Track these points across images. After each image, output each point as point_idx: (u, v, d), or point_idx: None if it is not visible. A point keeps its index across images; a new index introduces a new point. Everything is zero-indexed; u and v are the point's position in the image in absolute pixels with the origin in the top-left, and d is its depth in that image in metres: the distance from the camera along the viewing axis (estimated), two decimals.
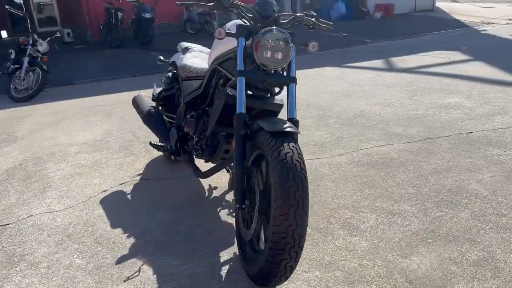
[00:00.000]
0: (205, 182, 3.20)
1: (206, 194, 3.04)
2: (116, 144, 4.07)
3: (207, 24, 11.49)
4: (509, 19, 11.87)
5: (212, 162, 2.84)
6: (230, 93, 2.30)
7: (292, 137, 1.93)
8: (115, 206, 2.93)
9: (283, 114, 2.25)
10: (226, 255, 2.35)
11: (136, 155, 3.78)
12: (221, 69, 2.43)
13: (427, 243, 2.35)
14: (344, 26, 10.58)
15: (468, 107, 4.52)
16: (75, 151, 3.96)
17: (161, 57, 3.67)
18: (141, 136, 4.24)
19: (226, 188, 3.08)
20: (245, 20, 2.27)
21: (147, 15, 10.67)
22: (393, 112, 4.52)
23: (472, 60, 7.01)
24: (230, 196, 2.98)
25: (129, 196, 3.08)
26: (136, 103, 3.40)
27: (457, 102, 4.69)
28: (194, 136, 2.66)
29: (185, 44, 3.35)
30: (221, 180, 3.16)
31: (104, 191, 3.16)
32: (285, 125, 1.95)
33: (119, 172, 3.46)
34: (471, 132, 3.81)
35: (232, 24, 2.35)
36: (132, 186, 3.21)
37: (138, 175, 3.40)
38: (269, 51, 2.08)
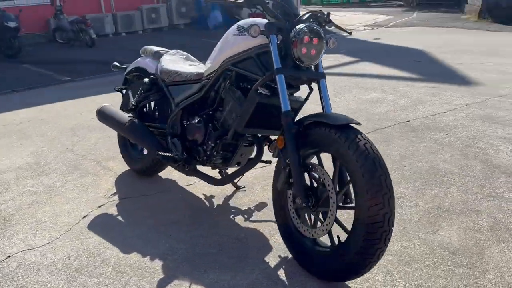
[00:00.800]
0: (199, 193, 3.01)
1: (208, 204, 2.87)
2: (61, 165, 3.56)
3: (82, 33, 10.64)
4: (365, 26, 13.45)
5: (219, 168, 2.70)
6: (263, 92, 2.24)
7: (356, 129, 1.97)
8: (110, 230, 2.59)
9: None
10: (272, 260, 2.26)
11: (95, 174, 3.36)
12: (239, 70, 2.34)
13: (442, 218, 2.58)
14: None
15: (390, 100, 5.03)
16: (13, 178, 3.36)
17: (117, 64, 3.36)
18: (86, 154, 3.78)
19: (225, 195, 2.95)
20: (268, 18, 2.24)
21: (12, 24, 9.51)
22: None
23: (360, 61, 7.78)
24: (233, 203, 2.86)
25: (119, 218, 2.74)
26: (106, 115, 3.02)
27: (379, 97, 5.19)
28: (210, 142, 2.49)
29: (155, 48, 3.10)
30: (213, 189, 3.00)
31: (85, 216, 2.76)
32: (348, 118, 1.99)
33: (87, 195, 3.04)
34: (408, 121, 4.27)
35: (253, 22, 2.27)
36: (115, 207, 2.87)
37: (113, 194, 3.04)
38: (307, 48, 2.10)
